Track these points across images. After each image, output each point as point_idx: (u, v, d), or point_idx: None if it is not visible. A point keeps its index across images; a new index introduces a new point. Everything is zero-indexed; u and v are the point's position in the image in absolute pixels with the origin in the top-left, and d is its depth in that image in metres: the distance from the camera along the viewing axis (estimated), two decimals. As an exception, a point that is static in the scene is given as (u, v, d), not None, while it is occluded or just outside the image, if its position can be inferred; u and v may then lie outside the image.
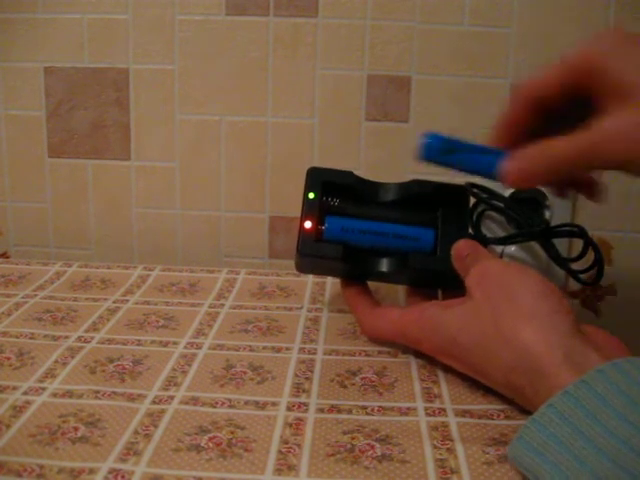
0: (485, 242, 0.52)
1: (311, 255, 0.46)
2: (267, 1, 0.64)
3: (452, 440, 0.35)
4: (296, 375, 0.42)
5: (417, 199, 0.47)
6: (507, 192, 0.59)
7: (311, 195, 0.47)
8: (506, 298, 0.37)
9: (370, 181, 0.48)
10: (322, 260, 0.46)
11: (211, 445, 0.34)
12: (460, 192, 0.47)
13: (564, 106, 0.40)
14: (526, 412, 0.35)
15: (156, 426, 0.35)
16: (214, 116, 0.66)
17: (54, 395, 0.39)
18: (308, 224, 0.46)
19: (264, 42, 0.64)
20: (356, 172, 0.47)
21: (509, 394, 0.37)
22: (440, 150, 0.41)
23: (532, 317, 0.36)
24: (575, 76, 0.39)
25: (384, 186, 0.48)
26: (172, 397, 0.39)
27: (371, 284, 0.49)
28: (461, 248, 0.43)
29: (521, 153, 0.40)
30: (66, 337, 0.46)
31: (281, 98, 0.65)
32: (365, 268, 0.47)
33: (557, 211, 0.61)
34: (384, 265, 0.46)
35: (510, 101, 0.41)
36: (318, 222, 0.46)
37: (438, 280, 0.47)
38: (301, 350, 0.45)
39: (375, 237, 0.45)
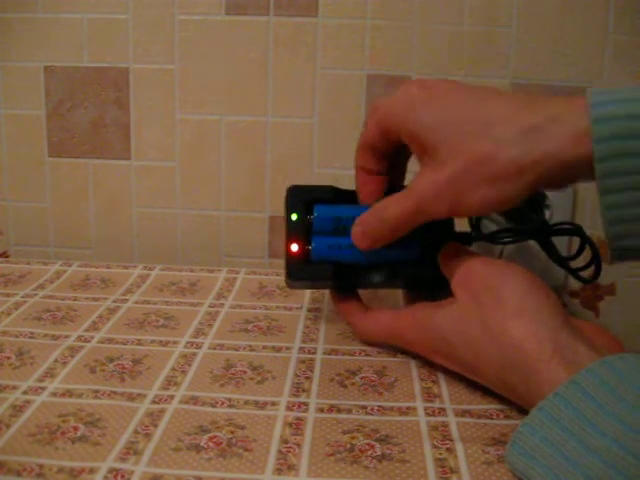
0: (480, 238, 0.52)
1: (302, 278, 0.46)
2: (267, 1, 0.64)
3: (452, 440, 0.35)
4: (296, 375, 0.42)
5: None
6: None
7: (294, 217, 0.46)
8: (492, 297, 0.37)
9: (351, 191, 0.47)
10: (313, 281, 0.46)
11: (211, 445, 0.34)
12: None
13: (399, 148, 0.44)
14: (525, 412, 0.35)
15: (156, 426, 0.35)
16: (214, 116, 0.66)
17: (54, 394, 0.39)
18: (294, 247, 0.46)
19: (264, 42, 0.64)
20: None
21: (503, 393, 0.37)
22: (328, 226, 0.45)
23: (520, 314, 0.36)
24: (385, 134, 0.42)
25: None
26: (172, 397, 0.39)
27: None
28: (445, 254, 0.44)
29: (362, 219, 0.44)
30: (66, 336, 0.46)
31: (281, 98, 0.65)
32: (355, 282, 0.47)
33: (557, 211, 0.61)
34: (374, 277, 0.46)
35: (356, 152, 0.45)
36: (304, 243, 0.46)
37: (430, 286, 0.46)
38: (301, 350, 0.45)
39: (362, 251, 0.45)
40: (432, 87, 0.41)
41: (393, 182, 0.46)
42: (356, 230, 0.44)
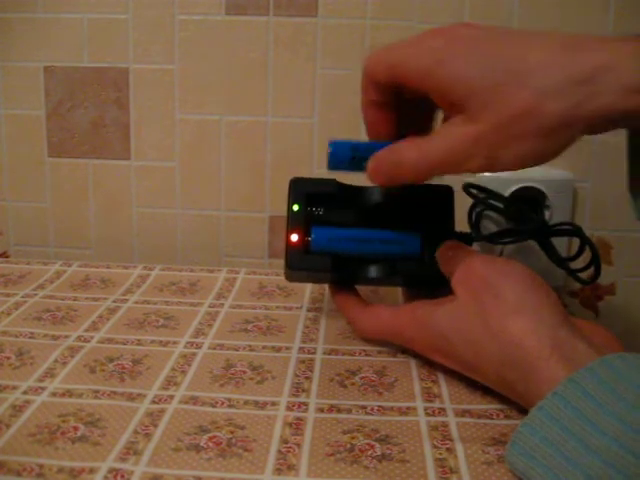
0: (480, 239, 0.52)
1: (300, 268, 0.46)
2: (267, 1, 0.64)
3: (452, 440, 0.35)
4: (296, 375, 0.42)
5: (402, 201, 0.47)
6: (506, 192, 0.59)
7: (295, 207, 0.46)
8: (492, 294, 0.37)
9: (354, 186, 0.47)
10: (312, 272, 0.46)
11: (211, 445, 0.34)
12: (445, 192, 0.47)
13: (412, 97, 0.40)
14: (525, 412, 0.35)
15: (156, 426, 0.35)
16: (214, 116, 0.66)
17: (54, 395, 0.39)
18: (294, 237, 0.46)
19: (264, 42, 0.64)
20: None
21: (503, 391, 0.37)
22: (346, 158, 0.42)
23: (519, 311, 0.36)
24: (398, 82, 0.39)
25: (368, 190, 0.47)
26: (172, 397, 0.39)
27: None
28: (445, 252, 0.43)
29: (377, 156, 0.41)
30: (66, 336, 0.46)
31: (281, 98, 0.65)
32: (354, 276, 0.47)
33: (557, 211, 0.61)
34: (373, 272, 0.46)
35: (362, 105, 0.43)
36: (304, 234, 0.46)
37: (428, 283, 0.46)
38: (301, 350, 0.45)
39: (362, 244, 0.45)
40: (457, 37, 0.37)
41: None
42: (371, 166, 0.41)
